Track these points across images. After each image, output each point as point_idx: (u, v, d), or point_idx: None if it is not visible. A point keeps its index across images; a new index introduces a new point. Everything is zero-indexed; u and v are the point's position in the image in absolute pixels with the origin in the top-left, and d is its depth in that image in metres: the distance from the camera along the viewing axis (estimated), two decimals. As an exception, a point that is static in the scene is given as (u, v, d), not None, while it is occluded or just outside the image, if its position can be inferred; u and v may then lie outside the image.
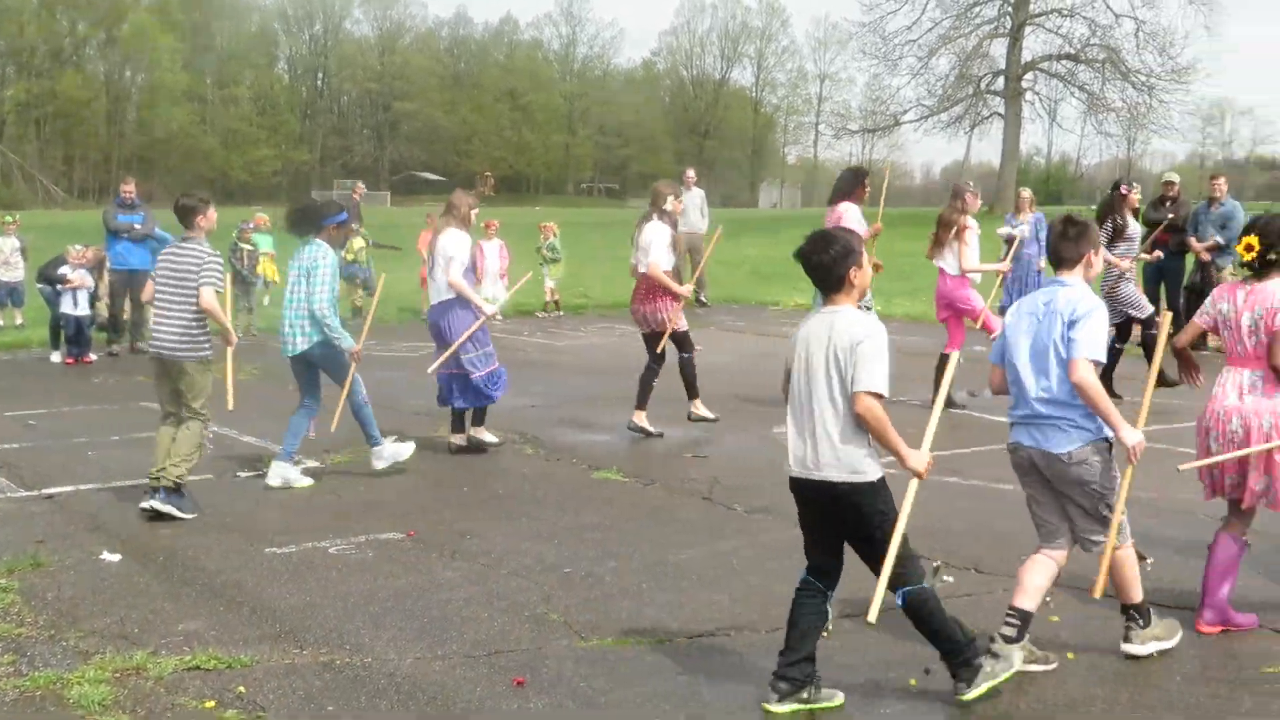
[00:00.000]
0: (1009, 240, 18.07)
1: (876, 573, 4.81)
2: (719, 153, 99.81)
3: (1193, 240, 15.69)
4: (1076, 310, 5.27)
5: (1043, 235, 18.14)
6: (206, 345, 7.99)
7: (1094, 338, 5.22)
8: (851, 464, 4.81)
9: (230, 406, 8.48)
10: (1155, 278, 16.10)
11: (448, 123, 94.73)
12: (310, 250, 8.63)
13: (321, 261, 8.55)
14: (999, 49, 55.42)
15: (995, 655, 5.14)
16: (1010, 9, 53.96)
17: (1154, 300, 16.29)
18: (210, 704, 4.95)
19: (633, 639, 5.74)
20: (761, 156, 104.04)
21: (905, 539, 4.81)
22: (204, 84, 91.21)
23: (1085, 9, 53.54)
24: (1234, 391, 5.81)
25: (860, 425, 4.77)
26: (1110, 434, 5.28)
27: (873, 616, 4.73)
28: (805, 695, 4.94)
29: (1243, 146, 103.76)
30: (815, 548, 5.09)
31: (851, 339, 4.78)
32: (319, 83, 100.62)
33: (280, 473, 8.69)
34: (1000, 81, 55.30)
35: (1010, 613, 5.32)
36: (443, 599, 6.27)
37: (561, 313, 20.52)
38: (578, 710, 4.94)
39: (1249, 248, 5.80)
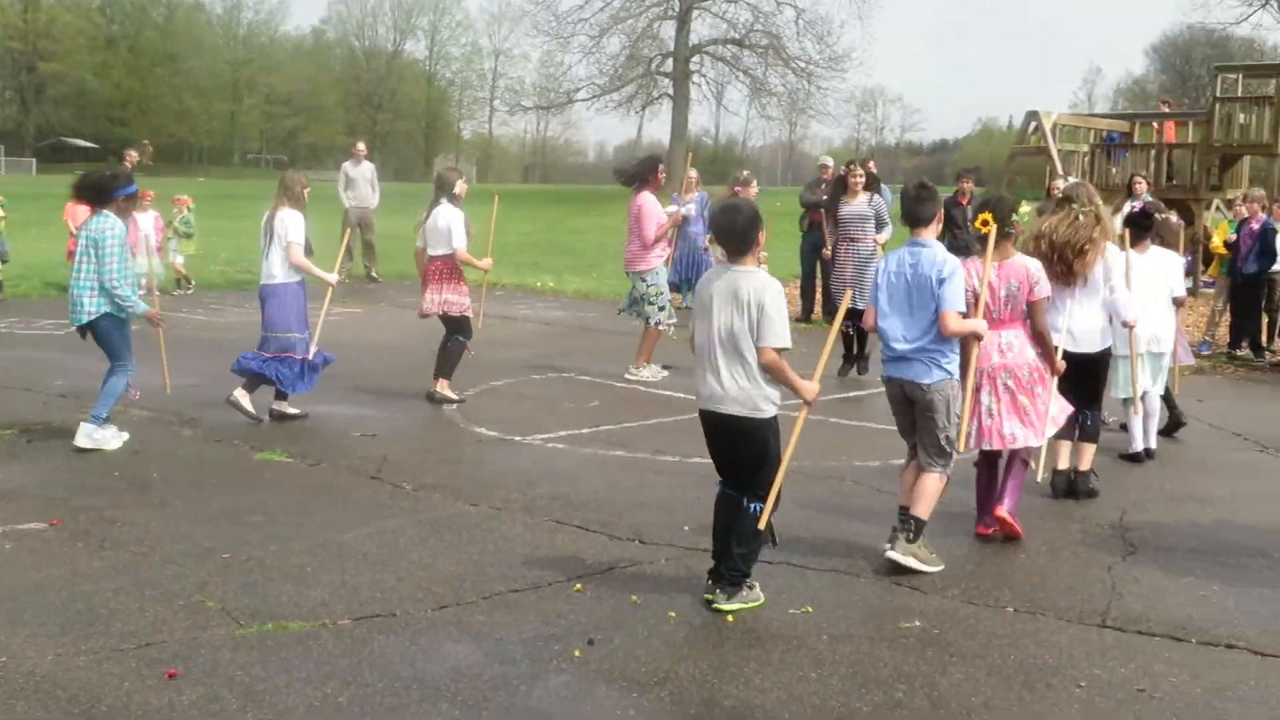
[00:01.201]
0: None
1: (754, 491, 5.75)
2: (393, 126, 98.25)
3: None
4: (943, 271, 6.27)
5: (707, 214, 18.70)
6: None
7: (958, 293, 6.31)
8: (753, 403, 5.67)
9: None
10: (812, 256, 16.86)
11: (101, 87, 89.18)
12: (98, 222, 8.70)
13: (109, 233, 8.63)
14: (668, 31, 56.91)
15: (751, 587, 5.87)
16: (678, -7, 55.47)
17: (812, 276, 17.13)
18: None
19: (295, 623, 5.58)
20: (436, 130, 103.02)
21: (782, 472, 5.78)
22: None
23: (749, -5, 55.66)
24: (995, 352, 6.82)
25: (761, 369, 5.62)
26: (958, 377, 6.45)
27: (762, 524, 5.75)
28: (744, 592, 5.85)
29: (893, 132, 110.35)
30: (723, 469, 5.94)
31: (758, 297, 5.60)
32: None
33: (89, 434, 8.72)
34: (670, 63, 56.76)
35: (903, 515, 6.41)
36: (88, 590, 5.92)
37: (193, 289, 19.23)
38: (234, 699, 4.77)
39: (985, 223, 6.73)
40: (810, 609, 5.88)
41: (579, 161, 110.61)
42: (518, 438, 9.52)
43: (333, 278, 10.22)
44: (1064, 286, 7.64)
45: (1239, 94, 22.03)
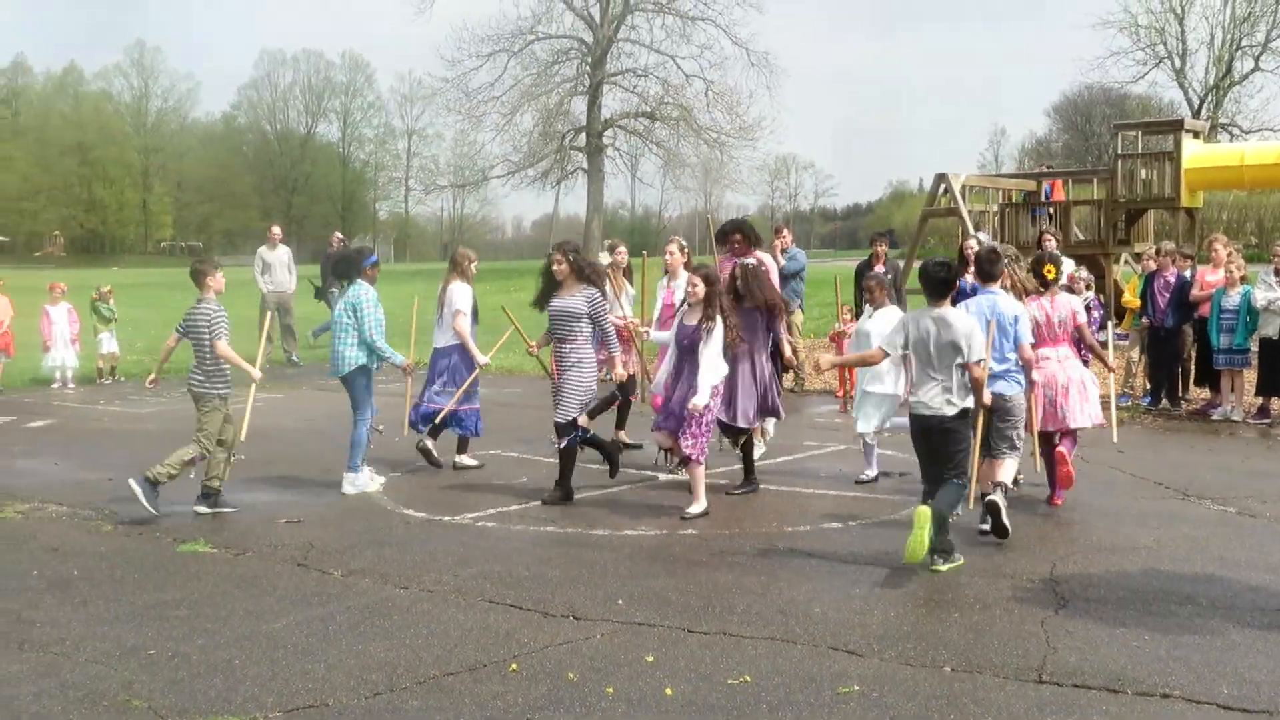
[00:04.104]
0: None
1: (950, 475, 7.70)
2: (308, 209, 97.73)
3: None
4: (1017, 313, 8.60)
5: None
6: (221, 385, 9.76)
7: (1026, 329, 8.68)
8: (959, 404, 7.61)
9: (242, 437, 9.83)
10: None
11: (7, 178, 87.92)
12: (355, 290, 10.40)
13: (365, 297, 10.28)
14: (580, 106, 57.23)
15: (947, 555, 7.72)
16: (588, 69, 55.91)
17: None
18: None
19: (225, 718, 5.45)
20: (353, 212, 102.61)
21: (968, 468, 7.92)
22: None
23: (658, 69, 56.28)
24: (1053, 362, 9.29)
25: (964, 379, 7.61)
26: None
27: (972, 504, 8.07)
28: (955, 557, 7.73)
29: (807, 198, 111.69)
30: (929, 464, 7.84)
31: (967, 328, 7.64)
32: None
33: (352, 482, 10.32)
34: (583, 138, 57.08)
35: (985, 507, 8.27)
36: (8, 695, 5.73)
37: (122, 378, 19.05)
38: (164, 802, 4.63)
39: (1049, 271, 9.38)
40: (748, 678, 5.84)
41: (497, 238, 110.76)
42: (446, 518, 9.42)
43: (484, 359, 11.19)
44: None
45: (1139, 150, 22.60)
